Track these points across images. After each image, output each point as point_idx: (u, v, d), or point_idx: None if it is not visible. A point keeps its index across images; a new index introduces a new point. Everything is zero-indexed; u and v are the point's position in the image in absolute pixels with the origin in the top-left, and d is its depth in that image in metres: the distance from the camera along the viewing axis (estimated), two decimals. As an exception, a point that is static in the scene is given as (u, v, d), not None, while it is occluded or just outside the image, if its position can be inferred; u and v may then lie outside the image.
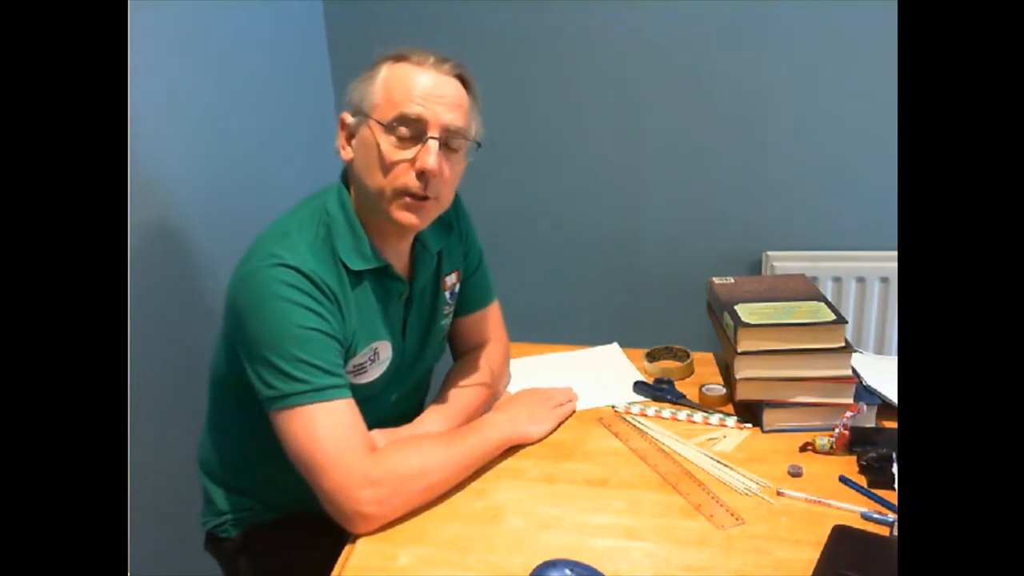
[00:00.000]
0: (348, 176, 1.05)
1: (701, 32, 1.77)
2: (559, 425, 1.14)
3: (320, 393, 0.92)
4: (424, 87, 0.98)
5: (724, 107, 1.81)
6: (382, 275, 1.04)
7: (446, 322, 1.19)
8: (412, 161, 0.97)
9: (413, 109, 0.96)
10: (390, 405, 1.11)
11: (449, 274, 1.17)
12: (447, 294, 1.17)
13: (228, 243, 1.12)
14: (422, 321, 1.14)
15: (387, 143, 0.97)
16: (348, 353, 1.00)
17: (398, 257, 1.07)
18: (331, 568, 0.86)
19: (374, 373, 1.05)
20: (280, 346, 0.92)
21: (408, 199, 0.98)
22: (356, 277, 1.01)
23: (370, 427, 0.99)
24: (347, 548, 0.89)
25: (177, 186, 1.36)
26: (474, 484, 1.00)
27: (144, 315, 1.22)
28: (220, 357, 1.07)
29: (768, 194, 1.85)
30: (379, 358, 1.05)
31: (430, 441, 1.00)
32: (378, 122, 0.98)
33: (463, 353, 1.25)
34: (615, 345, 1.40)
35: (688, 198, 1.89)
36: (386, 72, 1.00)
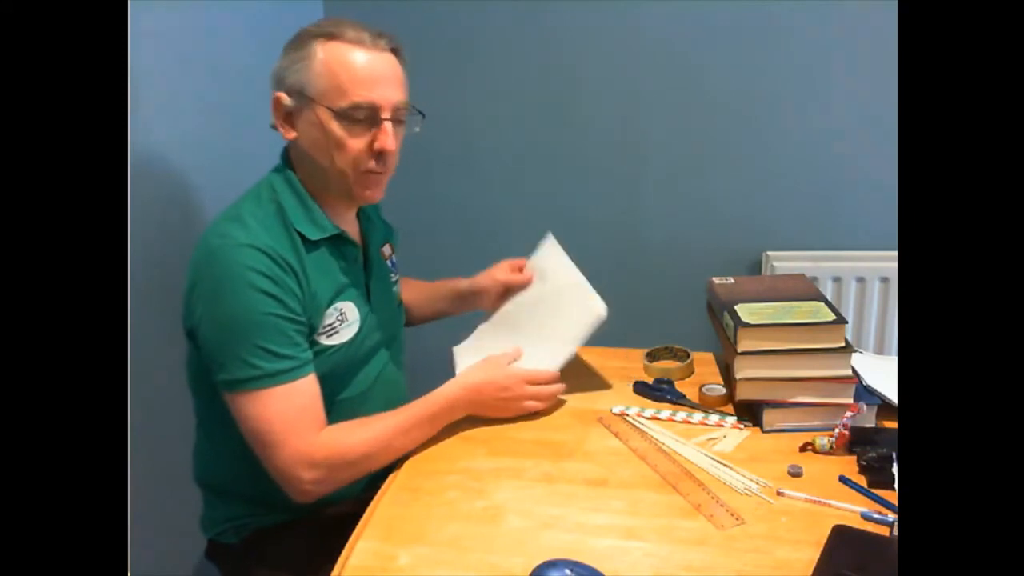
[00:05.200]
0: (291, 154, 1.10)
1: (701, 32, 1.77)
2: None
3: (272, 378, 0.97)
4: (370, 71, 1.02)
5: (724, 107, 1.81)
6: (337, 241, 1.09)
7: (396, 289, 1.26)
8: (370, 144, 1.03)
9: (365, 96, 1.01)
10: (383, 366, 1.18)
11: (384, 245, 1.24)
12: (388, 263, 1.24)
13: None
14: (383, 285, 1.20)
15: (340, 128, 1.02)
16: (313, 316, 1.04)
17: (348, 225, 1.13)
18: (331, 569, 0.86)
19: (346, 333, 1.09)
20: (235, 333, 0.97)
21: (370, 177, 1.06)
22: (312, 245, 1.05)
23: (367, 395, 1.12)
24: (347, 548, 0.89)
25: (177, 186, 1.36)
26: (474, 484, 1.00)
27: (144, 317, 1.22)
28: (193, 355, 1.09)
29: (768, 194, 1.85)
30: (347, 319, 1.09)
31: (380, 424, 1.05)
32: (328, 108, 1.01)
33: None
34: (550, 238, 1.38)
35: (688, 198, 1.89)
36: (324, 54, 1.02)
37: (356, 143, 1.02)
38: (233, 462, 1.11)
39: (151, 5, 1.24)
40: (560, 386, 1.16)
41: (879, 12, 1.66)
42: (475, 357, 1.19)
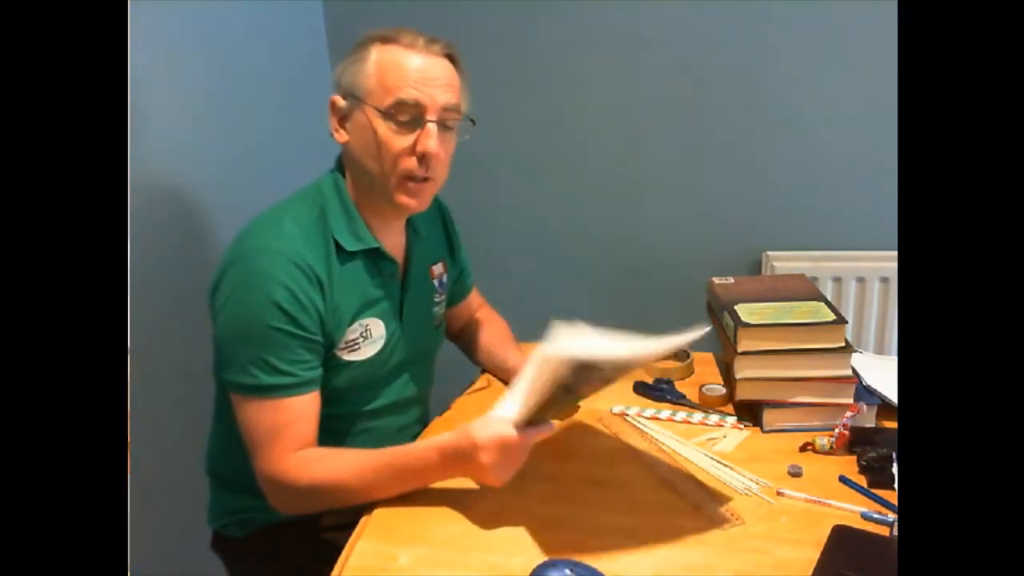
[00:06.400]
0: (344, 159, 1.08)
1: (701, 32, 1.77)
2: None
3: (265, 391, 0.97)
4: (418, 71, 1.00)
5: (724, 107, 1.81)
6: (374, 255, 1.07)
7: (439, 310, 1.23)
8: (412, 146, 1.00)
9: (410, 94, 0.99)
10: (408, 383, 1.16)
11: (435, 263, 1.21)
12: (435, 282, 1.21)
13: (229, 241, 1.12)
14: (420, 304, 1.17)
15: (385, 128, 1.00)
16: (335, 330, 1.03)
17: (393, 238, 1.11)
18: (332, 569, 0.86)
19: (368, 350, 1.07)
20: (243, 338, 0.97)
21: (410, 184, 1.03)
22: (348, 255, 1.04)
23: (388, 410, 1.10)
24: (347, 548, 0.89)
25: (177, 186, 1.36)
26: (474, 484, 0.99)
27: (153, 311, 1.23)
28: None
29: (768, 194, 1.85)
30: (372, 335, 1.07)
31: (355, 462, 0.97)
32: (375, 108, 1.00)
33: (466, 322, 1.37)
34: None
35: (688, 198, 1.89)
36: (377, 55, 1.01)
37: (399, 143, 1.00)
38: (241, 454, 1.11)
39: (151, 5, 1.24)
40: (516, 436, 0.92)
41: (879, 12, 1.66)
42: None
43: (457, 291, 1.32)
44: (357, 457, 0.99)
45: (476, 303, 1.39)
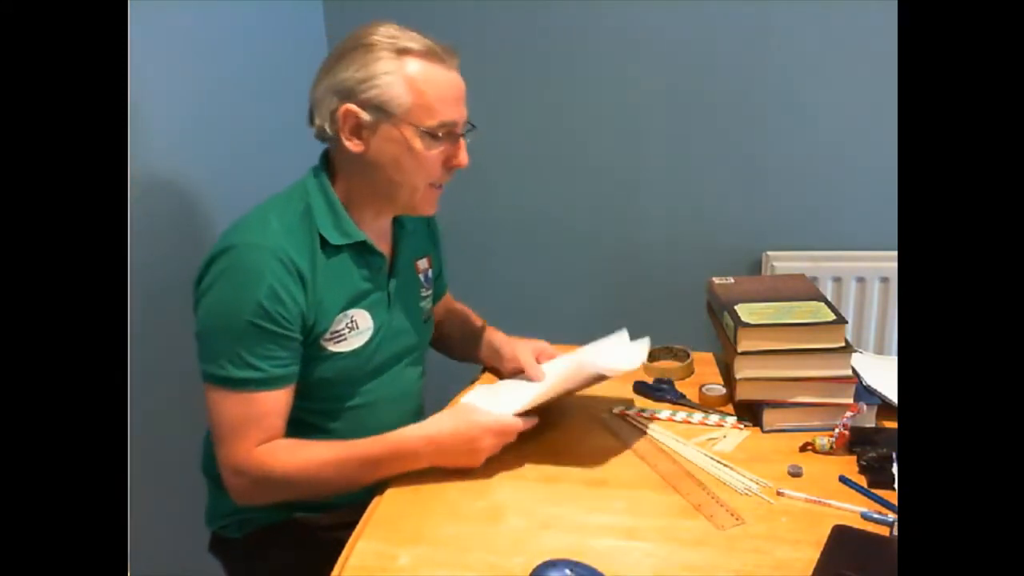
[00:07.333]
0: (337, 160, 1.08)
1: (700, 32, 1.77)
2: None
3: (233, 384, 0.98)
4: (454, 89, 1.04)
5: (724, 107, 1.81)
6: (361, 249, 1.08)
7: (425, 304, 1.24)
8: (443, 158, 1.05)
9: (452, 115, 1.03)
10: (398, 378, 1.17)
11: (421, 258, 1.22)
12: (421, 277, 1.22)
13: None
14: (407, 298, 1.18)
15: (422, 145, 1.03)
16: (320, 321, 1.04)
17: (381, 233, 1.13)
18: (332, 569, 0.86)
19: (355, 342, 1.08)
20: (219, 329, 0.99)
21: (435, 192, 1.08)
22: (334, 249, 1.05)
23: (379, 404, 1.12)
24: (347, 548, 0.89)
25: (177, 186, 1.36)
26: (474, 484, 1.00)
27: (151, 312, 1.22)
28: None
29: (768, 194, 1.85)
30: (358, 327, 1.08)
31: (315, 452, 1.01)
32: (414, 126, 1.02)
33: (438, 321, 1.36)
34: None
35: (688, 198, 1.89)
36: (406, 70, 1.01)
37: (434, 157, 1.04)
38: None
39: (151, 5, 1.24)
40: (520, 424, 1.04)
41: (879, 12, 1.66)
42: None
43: (436, 290, 1.31)
44: (326, 449, 1.01)
45: (444, 303, 1.38)
